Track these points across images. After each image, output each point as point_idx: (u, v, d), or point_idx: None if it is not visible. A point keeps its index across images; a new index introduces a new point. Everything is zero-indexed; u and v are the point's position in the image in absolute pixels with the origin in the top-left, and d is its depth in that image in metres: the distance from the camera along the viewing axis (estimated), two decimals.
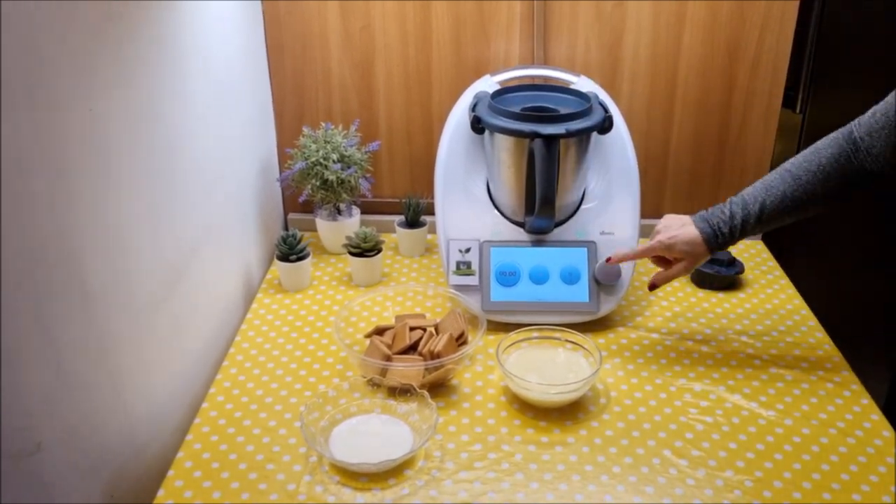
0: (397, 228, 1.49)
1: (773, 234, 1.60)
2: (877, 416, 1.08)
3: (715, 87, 1.48)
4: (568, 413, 1.08)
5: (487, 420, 1.07)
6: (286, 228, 1.62)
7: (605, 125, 1.24)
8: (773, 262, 1.50)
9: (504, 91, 1.32)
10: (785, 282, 1.43)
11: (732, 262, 1.41)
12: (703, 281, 1.40)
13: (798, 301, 1.36)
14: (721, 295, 1.38)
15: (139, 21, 0.95)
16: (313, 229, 1.53)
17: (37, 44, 0.74)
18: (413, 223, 1.49)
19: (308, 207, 1.54)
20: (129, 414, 0.97)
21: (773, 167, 1.54)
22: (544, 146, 1.16)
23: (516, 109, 1.23)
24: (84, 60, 0.83)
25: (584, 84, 1.34)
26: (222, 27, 1.25)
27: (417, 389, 1.06)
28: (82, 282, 0.85)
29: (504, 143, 1.23)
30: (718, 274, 1.38)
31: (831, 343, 1.24)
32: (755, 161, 1.54)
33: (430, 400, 1.04)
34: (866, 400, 1.11)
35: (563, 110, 1.24)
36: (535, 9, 1.42)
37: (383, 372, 1.11)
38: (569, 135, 1.18)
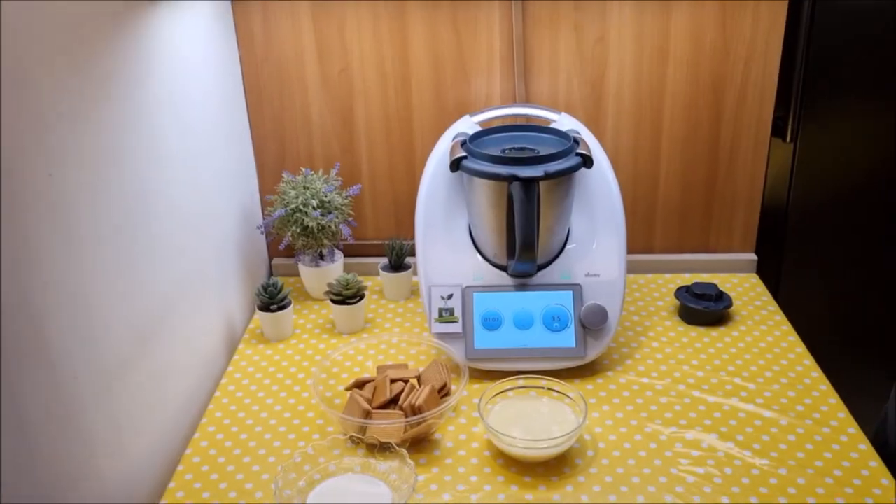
0: (381, 272, 1.46)
1: (767, 264, 1.56)
2: (875, 462, 1.04)
3: (702, 120, 1.45)
4: (553, 468, 1.04)
5: (470, 477, 1.03)
6: (271, 274, 1.59)
7: (586, 164, 1.21)
8: (767, 297, 1.46)
9: (484, 133, 1.30)
10: (780, 317, 1.39)
11: (720, 297, 1.37)
12: (691, 317, 1.37)
13: (793, 338, 1.32)
14: (714, 333, 1.34)
15: (99, 64, 0.93)
16: (298, 274, 1.51)
17: None
18: (397, 266, 1.47)
19: (291, 253, 1.51)
20: (101, 478, 0.93)
21: (764, 198, 1.51)
22: (522, 189, 1.14)
23: (496, 151, 1.21)
24: (41, 109, 0.81)
25: (565, 122, 1.32)
26: (196, 72, 1.23)
27: (396, 447, 1.02)
28: (46, 347, 0.82)
29: (483, 187, 1.20)
30: (707, 310, 1.35)
31: (828, 384, 1.20)
32: (746, 192, 1.50)
33: (408, 459, 1.00)
34: (864, 445, 1.07)
35: (544, 151, 1.21)
36: (514, 47, 1.40)
37: (362, 429, 1.07)
38: (547, 177, 1.15)
